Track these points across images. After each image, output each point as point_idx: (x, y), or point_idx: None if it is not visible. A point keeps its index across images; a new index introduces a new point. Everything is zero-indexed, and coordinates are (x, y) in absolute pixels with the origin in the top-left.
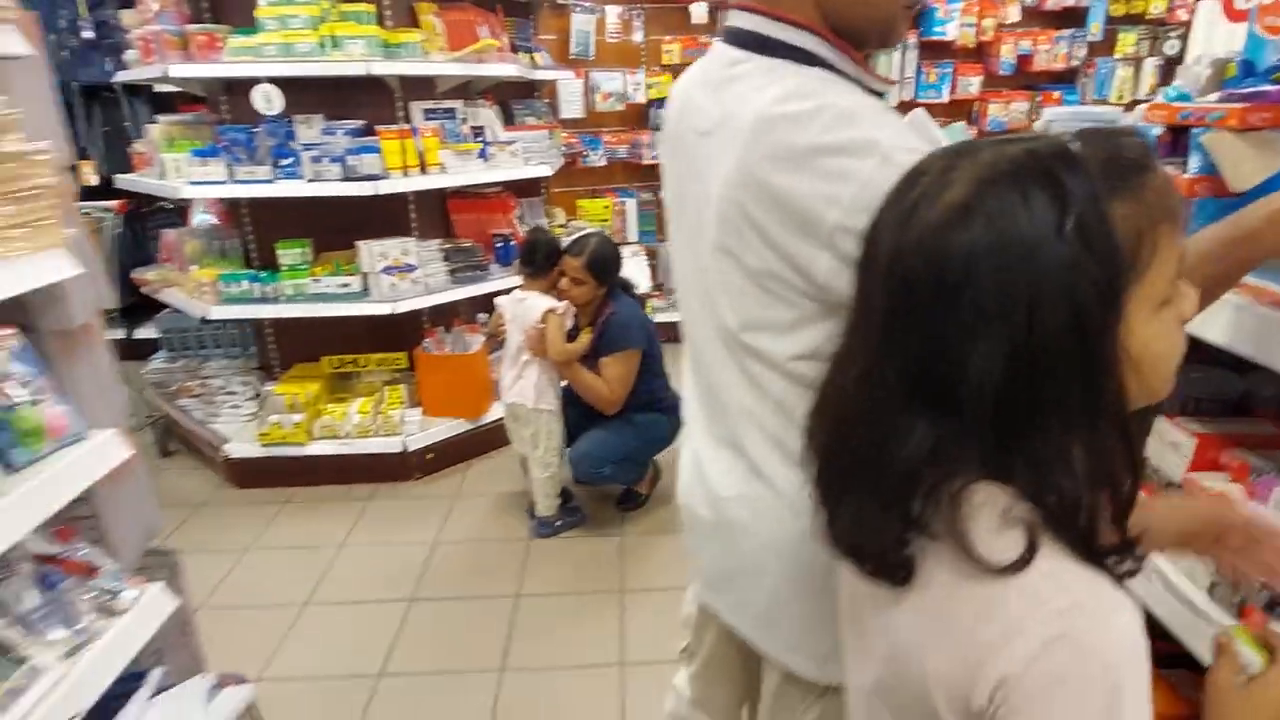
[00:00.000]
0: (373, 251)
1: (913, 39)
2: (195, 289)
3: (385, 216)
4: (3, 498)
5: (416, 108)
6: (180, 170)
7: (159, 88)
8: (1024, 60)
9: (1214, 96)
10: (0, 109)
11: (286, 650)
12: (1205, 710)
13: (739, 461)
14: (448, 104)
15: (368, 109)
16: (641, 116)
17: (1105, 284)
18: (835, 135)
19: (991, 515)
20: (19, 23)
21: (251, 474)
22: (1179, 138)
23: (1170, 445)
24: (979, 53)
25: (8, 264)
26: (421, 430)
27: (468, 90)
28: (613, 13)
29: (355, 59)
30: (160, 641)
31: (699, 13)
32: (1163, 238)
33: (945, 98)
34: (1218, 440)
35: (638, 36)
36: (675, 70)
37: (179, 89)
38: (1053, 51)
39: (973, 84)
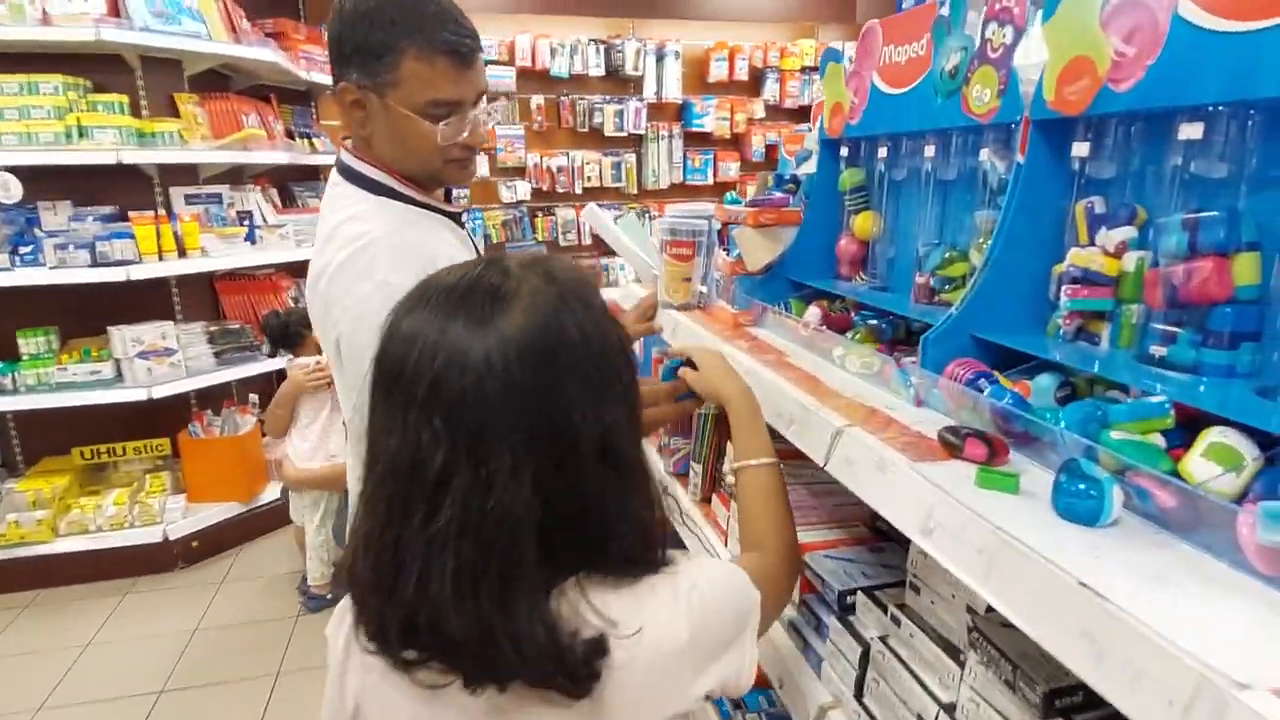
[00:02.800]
0: (125, 337)
1: (677, 128)
2: None
3: (145, 301)
4: None
5: (178, 193)
6: None
7: None
8: (771, 149)
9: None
10: None
11: None
12: None
13: None
14: (212, 189)
15: (124, 195)
16: None
17: None
18: (357, 260)
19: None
20: None
21: None
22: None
23: None
24: (736, 142)
25: None
26: (185, 517)
27: (240, 175)
28: None
29: (104, 148)
30: None
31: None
32: None
33: (710, 180)
34: None
35: None
36: None
37: None
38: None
39: (731, 168)
